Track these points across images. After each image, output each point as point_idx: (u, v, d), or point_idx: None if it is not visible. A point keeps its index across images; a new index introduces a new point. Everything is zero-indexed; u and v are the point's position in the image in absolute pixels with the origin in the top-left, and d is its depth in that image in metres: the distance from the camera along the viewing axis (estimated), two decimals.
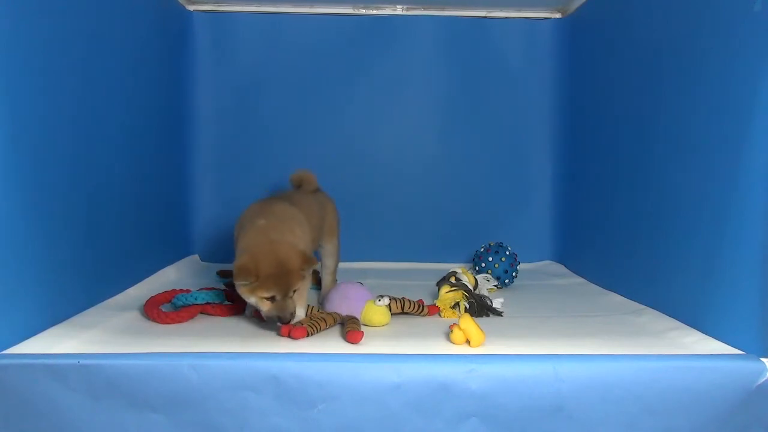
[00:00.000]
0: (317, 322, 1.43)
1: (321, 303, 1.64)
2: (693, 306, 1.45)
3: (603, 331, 1.49)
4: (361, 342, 1.35)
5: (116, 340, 1.36)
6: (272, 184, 1.90)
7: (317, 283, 1.89)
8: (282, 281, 1.40)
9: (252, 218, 1.52)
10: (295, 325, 1.40)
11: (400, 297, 1.60)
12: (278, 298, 1.40)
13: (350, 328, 1.40)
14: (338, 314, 1.50)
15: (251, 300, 1.42)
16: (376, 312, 1.52)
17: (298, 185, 1.87)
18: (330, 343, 1.36)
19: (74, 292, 1.49)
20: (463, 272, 1.77)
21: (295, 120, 2.50)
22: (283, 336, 1.39)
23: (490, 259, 2.07)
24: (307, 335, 1.38)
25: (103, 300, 1.63)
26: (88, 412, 1.12)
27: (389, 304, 1.55)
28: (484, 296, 1.71)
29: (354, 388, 1.12)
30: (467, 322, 1.34)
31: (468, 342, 1.33)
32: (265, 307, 1.41)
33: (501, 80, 2.52)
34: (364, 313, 1.52)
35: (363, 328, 1.44)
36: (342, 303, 1.54)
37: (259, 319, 1.49)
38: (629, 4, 1.92)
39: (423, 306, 1.63)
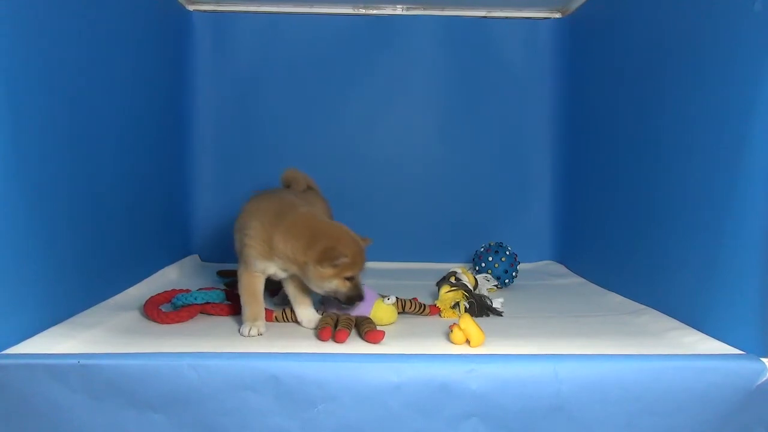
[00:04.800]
0: (348, 322, 1.44)
1: (322, 303, 1.63)
2: (693, 306, 1.45)
3: (603, 331, 1.49)
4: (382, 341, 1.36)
5: (116, 340, 1.36)
6: (272, 184, 1.90)
7: None
8: (362, 258, 1.45)
9: (285, 209, 1.51)
10: (324, 327, 1.40)
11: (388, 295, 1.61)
12: (356, 276, 1.44)
13: (368, 328, 1.40)
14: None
15: (330, 285, 1.43)
16: (386, 311, 1.53)
17: (288, 185, 1.85)
18: (330, 343, 1.37)
19: (74, 291, 1.49)
20: (463, 272, 1.77)
21: (295, 120, 2.50)
22: (323, 340, 1.38)
23: (490, 259, 2.07)
24: (348, 335, 1.39)
25: (103, 300, 1.63)
26: (88, 412, 1.12)
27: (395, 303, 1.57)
28: (484, 296, 1.71)
29: (354, 388, 1.12)
30: (467, 322, 1.34)
31: (468, 342, 1.33)
32: (345, 288, 1.43)
33: (501, 80, 2.52)
34: (374, 312, 1.52)
35: None
36: None
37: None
38: (629, 4, 1.91)
39: (424, 306, 1.63)
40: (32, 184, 1.31)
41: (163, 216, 2.18)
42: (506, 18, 2.52)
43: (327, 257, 1.40)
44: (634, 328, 1.52)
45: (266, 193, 1.66)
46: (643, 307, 1.67)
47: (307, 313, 1.54)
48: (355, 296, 1.45)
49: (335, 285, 1.43)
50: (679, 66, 1.57)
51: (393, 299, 1.56)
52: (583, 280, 2.18)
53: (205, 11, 2.47)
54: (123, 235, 1.79)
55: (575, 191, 2.36)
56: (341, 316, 1.49)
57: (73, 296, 1.48)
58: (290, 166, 1.87)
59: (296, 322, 1.55)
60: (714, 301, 1.37)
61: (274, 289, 1.78)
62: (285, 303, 1.66)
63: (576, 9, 2.38)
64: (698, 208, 1.45)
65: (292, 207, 1.52)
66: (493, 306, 1.68)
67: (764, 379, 1.14)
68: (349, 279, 1.44)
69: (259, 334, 1.43)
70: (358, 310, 1.51)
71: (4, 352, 1.19)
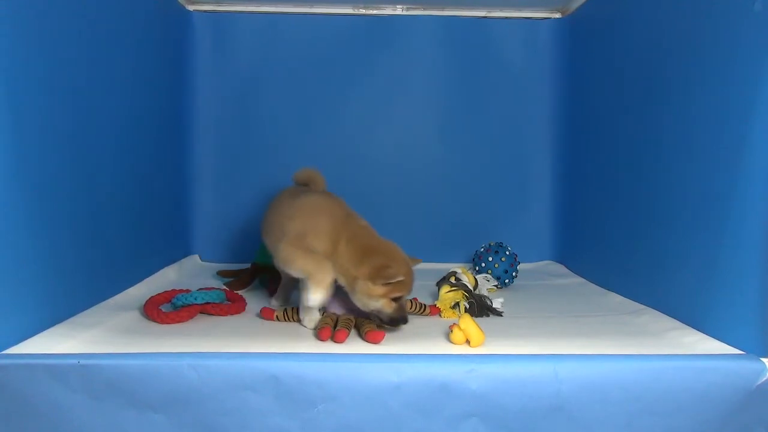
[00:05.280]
0: (348, 322, 1.44)
1: None
2: (693, 306, 1.45)
3: (603, 331, 1.49)
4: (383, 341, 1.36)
5: (116, 340, 1.36)
6: (272, 184, 1.90)
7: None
8: (411, 280, 1.44)
9: (349, 216, 1.54)
10: (323, 327, 1.40)
11: None
12: (403, 298, 1.43)
13: (368, 328, 1.40)
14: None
15: (376, 303, 1.41)
16: None
17: (304, 184, 1.83)
18: (330, 343, 1.37)
19: (74, 292, 1.49)
20: (463, 272, 1.77)
21: (295, 120, 2.50)
22: (322, 340, 1.38)
23: (490, 259, 2.07)
24: (348, 335, 1.39)
25: (103, 300, 1.63)
26: (88, 412, 1.12)
27: None
28: (484, 296, 1.71)
29: (354, 388, 1.12)
30: (467, 322, 1.34)
31: (468, 342, 1.33)
32: (390, 308, 1.41)
33: (501, 80, 2.52)
34: None
35: None
36: (344, 303, 1.54)
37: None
38: (629, 4, 1.91)
39: (424, 306, 1.63)
40: (32, 184, 1.31)
41: (163, 216, 2.18)
42: (506, 18, 2.51)
43: (381, 275, 1.38)
44: (634, 328, 1.52)
45: (317, 193, 1.68)
46: (643, 307, 1.67)
47: (310, 312, 1.54)
48: (400, 318, 1.42)
49: (381, 304, 1.41)
50: (679, 66, 1.57)
51: None
52: (583, 280, 2.18)
53: (205, 11, 2.47)
54: (123, 235, 1.79)
55: (575, 191, 2.36)
56: (341, 316, 1.49)
57: (73, 296, 1.48)
58: (302, 166, 1.88)
59: (297, 321, 1.55)
60: (714, 301, 1.37)
61: (273, 288, 1.78)
62: (285, 303, 1.66)
63: (576, 9, 2.38)
64: (698, 208, 1.45)
65: (353, 216, 1.56)
66: (493, 306, 1.68)
67: (764, 379, 1.14)
68: (395, 300, 1.42)
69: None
70: (359, 311, 1.51)
71: (4, 352, 1.19)
